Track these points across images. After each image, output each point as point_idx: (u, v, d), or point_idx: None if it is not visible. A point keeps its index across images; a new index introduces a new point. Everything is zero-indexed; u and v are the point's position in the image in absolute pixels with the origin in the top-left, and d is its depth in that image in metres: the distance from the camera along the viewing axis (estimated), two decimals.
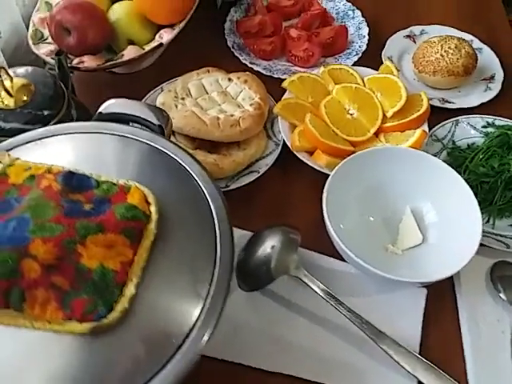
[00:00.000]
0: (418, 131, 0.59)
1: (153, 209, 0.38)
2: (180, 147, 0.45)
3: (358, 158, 0.53)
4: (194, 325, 0.34)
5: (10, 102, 0.49)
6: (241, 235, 0.55)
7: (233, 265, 0.38)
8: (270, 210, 0.59)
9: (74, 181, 0.38)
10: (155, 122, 0.47)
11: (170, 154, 0.44)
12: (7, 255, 0.32)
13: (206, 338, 0.33)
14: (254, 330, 0.49)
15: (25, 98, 0.50)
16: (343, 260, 0.53)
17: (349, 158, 0.53)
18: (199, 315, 0.34)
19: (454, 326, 0.51)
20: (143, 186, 0.39)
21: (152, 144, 0.44)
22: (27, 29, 0.72)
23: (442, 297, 0.52)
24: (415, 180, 0.54)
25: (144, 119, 0.47)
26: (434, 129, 0.63)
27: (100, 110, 0.48)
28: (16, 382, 0.31)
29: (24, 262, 0.32)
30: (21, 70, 0.54)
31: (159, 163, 0.43)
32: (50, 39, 0.67)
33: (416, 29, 0.78)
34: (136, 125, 0.47)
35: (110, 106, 0.48)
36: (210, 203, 0.41)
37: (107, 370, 0.32)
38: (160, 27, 0.69)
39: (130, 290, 0.34)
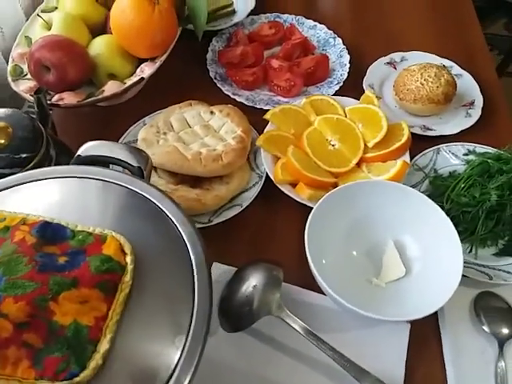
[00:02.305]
0: (399, 162, 0.59)
1: (128, 259, 0.37)
2: (159, 190, 0.44)
3: (340, 191, 0.53)
4: (173, 373, 0.33)
5: None
6: (224, 271, 0.55)
7: (211, 311, 0.38)
8: (254, 243, 0.59)
9: (48, 232, 0.38)
10: (134, 163, 0.47)
11: (148, 197, 0.44)
12: None
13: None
14: (236, 370, 0.48)
15: (2, 141, 0.49)
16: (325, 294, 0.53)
17: (331, 192, 0.53)
18: (177, 363, 0.34)
19: (438, 360, 0.51)
20: (120, 234, 0.39)
21: (130, 187, 0.44)
22: (7, 63, 0.72)
23: (425, 330, 0.52)
24: (397, 213, 0.54)
25: (123, 161, 0.47)
26: (415, 158, 0.64)
27: (78, 152, 0.48)
28: None
29: None
30: None
31: (138, 207, 0.43)
32: (29, 75, 0.67)
33: (396, 55, 0.79)
34: (116, 167, 0.47)
35: (89, 148, 0.48)
36: (189, 248, 0.40)
37: None
38: (141, 60, 0.69)
39: (104, 345, 0.33)
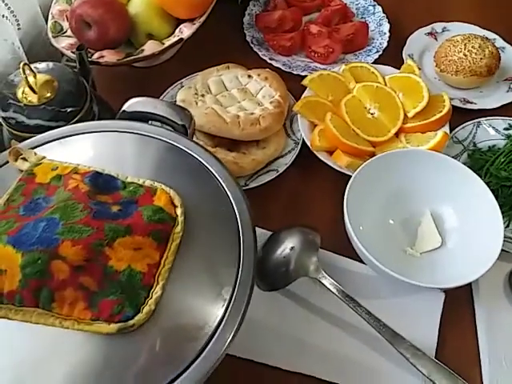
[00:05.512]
0: (440, 133, 0.58)
1: (179, 211, 0.38)
2: (203, 148, 0.45)
3: (381, 159, 0.53)
4: (218, 326, 0.34)
5: (33, 99, 0.49)
6: (259, 234, 0.55)
7: (256, 267, 0.38)
8: (289, 209, 0.60)
9: (100, 182, 0.38)
10: (178, 121, 0.47)
11: (193, 154, 0.44)
12: (37, 256, 0.33)
13: (229, 339, 0.33)
14: (272, 329, 0.49)
15: (48, 94, 0.50)
16: (361, 261, 0.53)
17: (371, 159, 0.53)
18: (223, 316, 0.34)
19: (471, 331, 0.51)
20: (169, 187, 0.39)
21: (175, 144, 0.44)
22: (45, 20, 0.71)
23: (459, 301, 0.52)
24: (436, 183, 0.54)
25: (167, 118, 0.47)
26: (455, 130, 0.63)
27: (123, 108, 0.48)
28: (41, 376, 0.32)
29: (53, 263, 0.33)
30: (42, 65, 0.54)
31: (183, 164, 0.43)
32: (69, 32, 0.67)
33: (438, 26, 0.76)
34: (159, 124, 0.47)
35: (134, 104, 0.48)
36: (234, 205, 0.41)
37: (130, 368, 0.32)
38: (179, 21, 0.69)
39: (157, 291, 0.34)
